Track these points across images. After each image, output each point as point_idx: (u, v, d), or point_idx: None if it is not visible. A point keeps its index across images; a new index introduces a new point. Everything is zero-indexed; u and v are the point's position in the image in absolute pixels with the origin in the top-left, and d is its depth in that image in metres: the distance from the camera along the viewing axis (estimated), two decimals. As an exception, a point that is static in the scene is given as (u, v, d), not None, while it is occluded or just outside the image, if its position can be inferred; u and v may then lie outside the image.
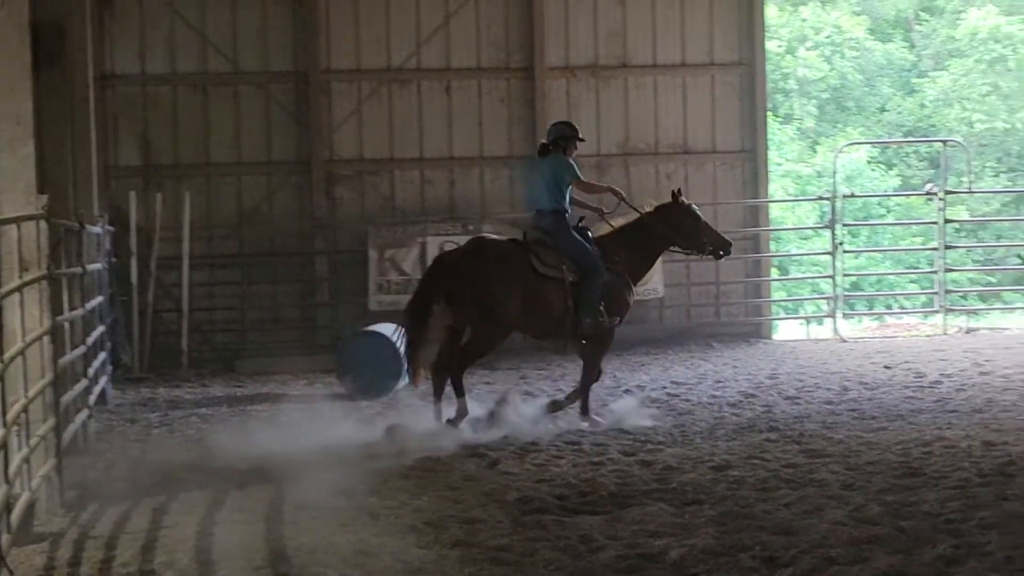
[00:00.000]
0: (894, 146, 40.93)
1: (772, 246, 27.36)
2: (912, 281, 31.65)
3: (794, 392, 16.48)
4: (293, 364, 20.53)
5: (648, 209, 15.07)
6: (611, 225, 14.99)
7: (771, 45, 37.10)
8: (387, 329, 18.18)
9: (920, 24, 43.36)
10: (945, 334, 23.67)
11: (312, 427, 14.29)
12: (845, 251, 24.84)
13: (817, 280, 29.46)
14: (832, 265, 24.35)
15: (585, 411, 14.42)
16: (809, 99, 40.74)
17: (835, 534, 8.95)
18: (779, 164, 37.02)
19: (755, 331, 23.63)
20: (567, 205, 14.53)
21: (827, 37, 41.31)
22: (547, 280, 14.19)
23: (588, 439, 13.39)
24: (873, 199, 37.19)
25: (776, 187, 34.37)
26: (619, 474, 11.48)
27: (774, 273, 28.45)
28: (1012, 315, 27.92)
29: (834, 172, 26.76)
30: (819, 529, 9.12)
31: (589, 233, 14.72)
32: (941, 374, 18.11)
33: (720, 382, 17.87)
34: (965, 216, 35.70)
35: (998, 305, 29.28)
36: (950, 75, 41.13)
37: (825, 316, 24.86)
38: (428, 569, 8.55)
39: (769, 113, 32.83)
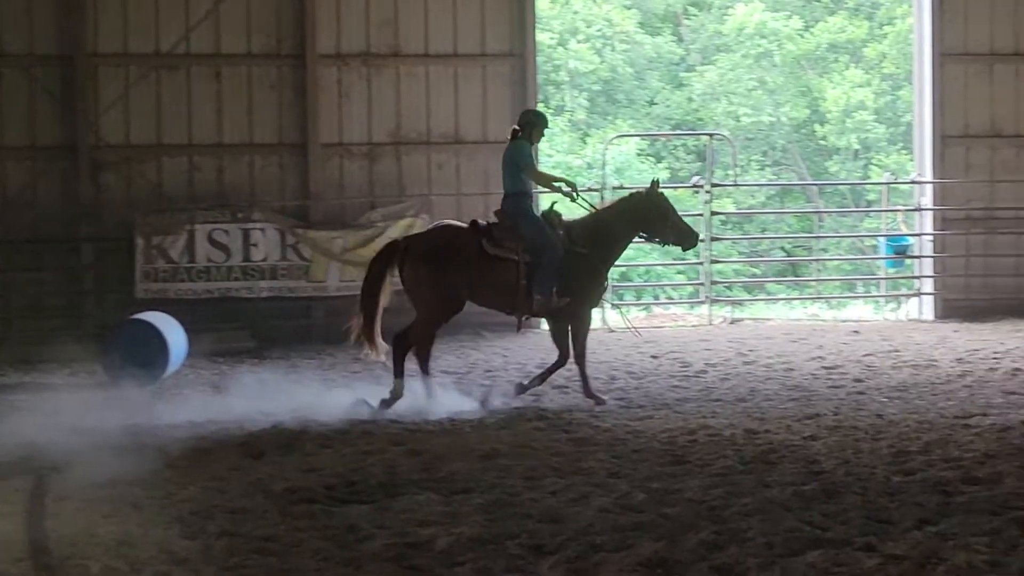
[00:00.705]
0: (663, 139, 41.60)
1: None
2: (679, 272, 32.17)
3: (563, 381, 16.61)
4: (58, 352, 20.05)
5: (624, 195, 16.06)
6: (592, 207, 15.71)
7: (543, 37, 37.46)
8: (154, 317, 17.90)
9: (688, 19, 44.11)
10: (711, 324, 24.13)
11: (76, 416, 13.99)
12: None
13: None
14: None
15: (587, 391, 15.07)
16: (580, 91, 41.18)
17: (601, 521, 9.04)
18: (550, 156, 37.35)
19: (524, 320, 23.71)
20: (528, 188, 15.29)
21: (598, 30, 41.78)
22: (498, 260, 14.93)
23: (358, 428, 13.32)
24: (642, 191, 37.68)
25: (547, 178, 34.63)
26: (388, 463, 11.44)
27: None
28: (775, 306, 28.60)
29: (603, 164, 27.04)
30: (585, 517, 9.20)
31: (562, 215, 15.31)
32: (706, 364, 18.46)
33: (490, 371, 17.95)
34: (731, 208, 36.47)
35: (762, 296, 29.99)
36: (717, 70, 41.92)
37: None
38: (193, 559, 8.42)
39: (540, 104, 33.12)
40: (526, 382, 15.54)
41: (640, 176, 37.94)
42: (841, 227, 37.46)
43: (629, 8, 42.86)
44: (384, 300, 15.03)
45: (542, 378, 15.48)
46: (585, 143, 40.23)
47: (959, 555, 7.98)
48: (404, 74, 23.52)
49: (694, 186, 26.29)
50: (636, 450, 11.91)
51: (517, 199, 15.16)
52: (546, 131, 15.79)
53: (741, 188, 36.41)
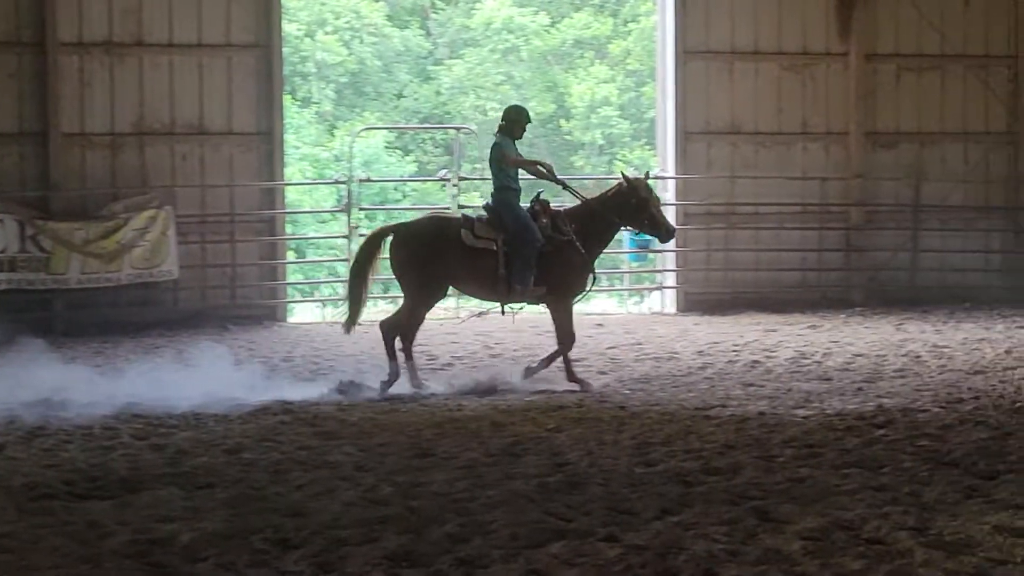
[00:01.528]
0: (410, 132, 41.64)
1: (288, 229, 27.34)
2: (427, 265, 32.17)
3: (309, 375, 16.52)
4: None
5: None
6: (577, 194, 16.37)
7: (290, 28, 37.15)
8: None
9: (436, 13, 44.25)
10: (458, 318, 24.20)
11: None
12: (361, 235, 25.07)
13: (333, 263, 29.68)
14: (348, 249, 24.51)
15: (571, 375, 15.66)
16: (328, 83, 40.99)
17: (347, 515, 9.01)
18: (297, 147, 37.11)
19: (271, 314, 23.55)
20: (510, 182, 15.79)
21: (346, 22, 41.64)
22: (477, 251, 15.61)
23: (99, 423, 13.04)
24: (390, 184, 37.74)
25: (294, 170, 34.46)
26: (130, 459, 11.24)
27: (290, 256, 28.46)
28: (521, 299, 28.80)
29: (351, 156, 26.92)
30: (331, 510, 9.16)
31: (549, 204, 15.91)
32: (453, 357, 18.52)
33: (236, 364, 17.73)
34: (478, 202, 36.61)
35: (508, 289, 30.12)
36: (465, 64, 42.14)
37: (340, 299, 25.00)
38: (-76, 561, 8.15)
39: (287, 96, 32.88)
40: (533, 365, 16.07)
41: (387, 169, 37.92)
42: (586, 221, 37.89)
43: (377, 1, 42.81)
44: (370, 283, 16.23)
45: (547, 361, 16.03)
46: (333, 135, 40.06)
47: (699, 544, 8.15)
48: (148, 64, 23.04)
49: (441, 179, 26.37)
50: (382, 443, 11.90)
51: (500, 192, 15.78)
52: (528, 125, 16.22)
53: (488, 182, 36.59)
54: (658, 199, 16.50)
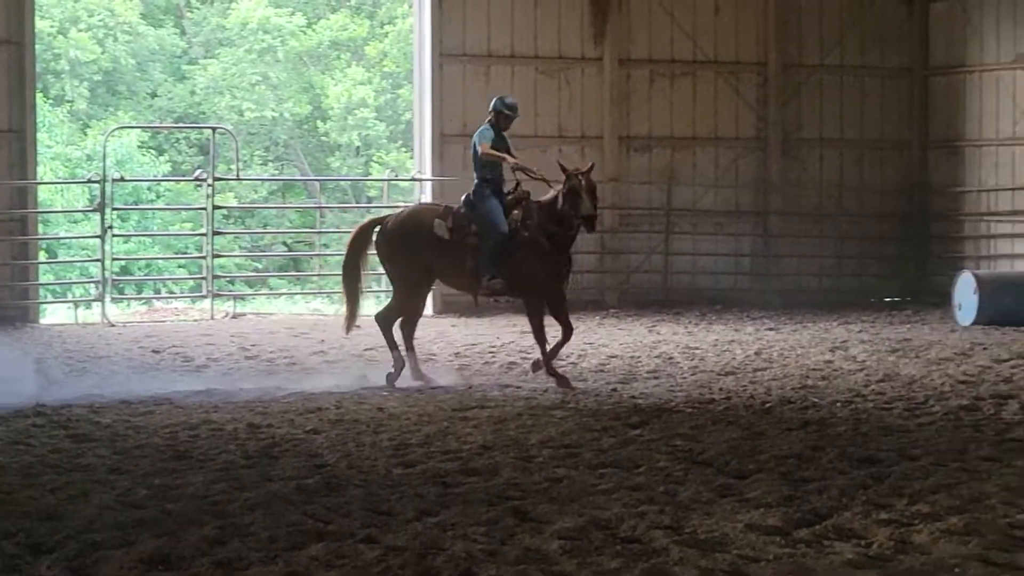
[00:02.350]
0: (165, 131, 41.03)
1: (40, 228, 26.73)
2: (181, 266, 31.82)
3: (61, 376, 16.17)
4: None
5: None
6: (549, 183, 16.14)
7: (43, 24, 36.30)
8: None
9: (191, 12, 43.69)
10: (213, 319, 23.96)
11: None
12: (115, 235, 24.66)
13: (86, 264, 29.11)
14: (101, 249, 24.07)
15: (539, 364, 15.95)
16: (81, 81, 40.14)
17: (101, 518, 8.83)
18: (49, 146, 36.28)
19: (22, 315, 23.01)
20: (486, 172, 15.79)
21: (100, 20, 40.86)
22: (451, 243, 15.78)
23: None
24: (144, 183, 37.13)
25: (46, 169, 33.68)
26: None
27: (42, 256, 27.83)
28: (278, 300, 28.68)
29: (104, 155, 26.42)
30: (85, 514, 8.97)
31: (528, 196, 15.92)
32: (208, 358, 18.33)
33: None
34: (233, 203, 36.30)
35: (264, 290, 29.97)
36: (221, 63, 41.67)
37: (94, 300, 24.55)
38: None
39: (40, 94, 32.13)
40: (542, 358, 15.92)
41: (142, 169, 37.31)
42: (343, 223, 37.83)
43: (131, -2, 42.12)
44: (363, 278, 16.65)
45: (553, 352, 16.03)
46: (86, 134, 39.26)
47: (457, 545, 8.16)
48: None
49: (196, 179, 26.05)
50: (138, 446, 11.70)
51: (476, 184, 15.85)
52: (514, 119, 16.14)
53: (244, 182, 36.35)
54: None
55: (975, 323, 22.49)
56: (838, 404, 13.98)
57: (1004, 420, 12.91)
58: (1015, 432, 12.19)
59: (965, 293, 22.98)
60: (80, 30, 40.18)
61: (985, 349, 18.91)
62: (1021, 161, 27.35)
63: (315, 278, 29.96)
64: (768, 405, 13.98)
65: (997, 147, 27.69)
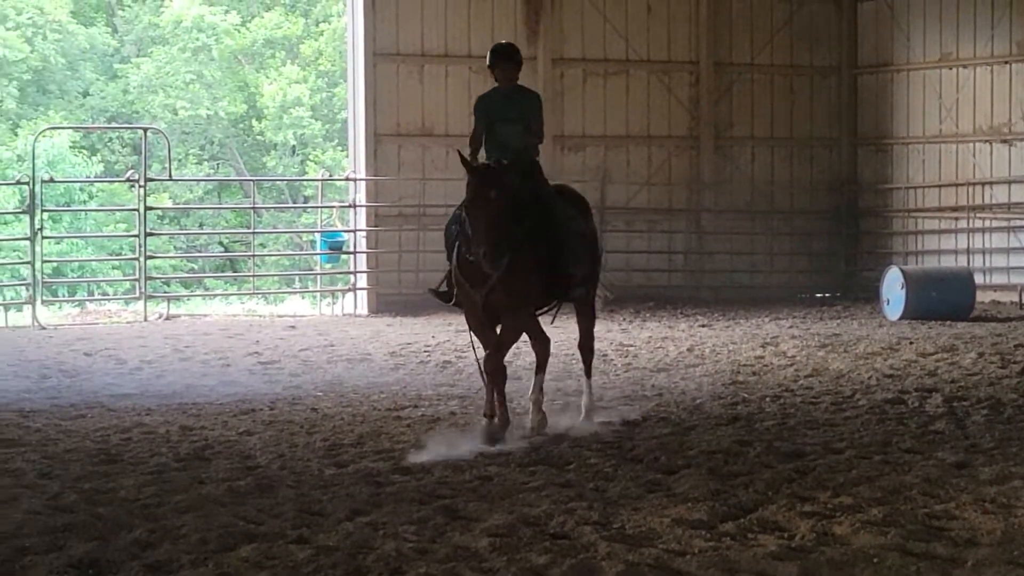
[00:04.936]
0: (97, 131, 40.83)
1: (-30, 230, 26.56)
2: (115, 267, 31.69)
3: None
4: None
5: None
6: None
7: (-30, 23, 36.08)
8: None
9: (123, 10, 43.51)
10: (146, 320, 23.87)
11: None
12: (46, 237, 24.52)
13: (17, 266, 28.93)
14: (32, 251, 23.93)
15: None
16: (10, 80, 39.88)
17: (30, 523, 8.81)
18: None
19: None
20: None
21: (29, 18, 40.61)
22: None
23: None
24: (76, 184, 36.94)
25: (-27, 169, 33.50)
26: None
27: (-28, 258, 27.66)
28: (213, 301, 28.60)
29: (33, 156, 26.26)
30: (13, 519, 8.95)
31: None
32: (142, 360, 18.28)
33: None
34: (167, 203, 36.18)
35: (200, 291, 29.87)
36: (154, 62, 41.54)
37: (24, 303, 24.41)
38: None
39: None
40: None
41: (73, 169, 37.09)
42: (279, 223, 37.86)
43: (61, -4, 41.92)
44: None
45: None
46: (16, 135, 39.02)
47: (388, 544, 8.22)
48: None
49: (128, 180, 25.97)
50: (68, 449, 11.68)
51: None
52: (509, 67, 12.61)
53: (178, 182, 36.25)
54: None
55: (902, 318, 22.78)
56: (767, 399, 14.16)
57: (927, 413, 13.11)
58: (937, 424, 12.40)
59: (893, 288, 23.27)
60: (8, 28, 39.92)
61: (911, 343, 19.15)
62: (947, 158, 27.72)
63: (251, 278, 29.89)
64: (698, 401, 14.12)
65: (924, 144, 28.05)
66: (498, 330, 12.26)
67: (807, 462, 10.55)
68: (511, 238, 11.59)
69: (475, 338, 12.61)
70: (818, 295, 27.86)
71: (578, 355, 13.57)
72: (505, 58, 12.54)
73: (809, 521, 8.55)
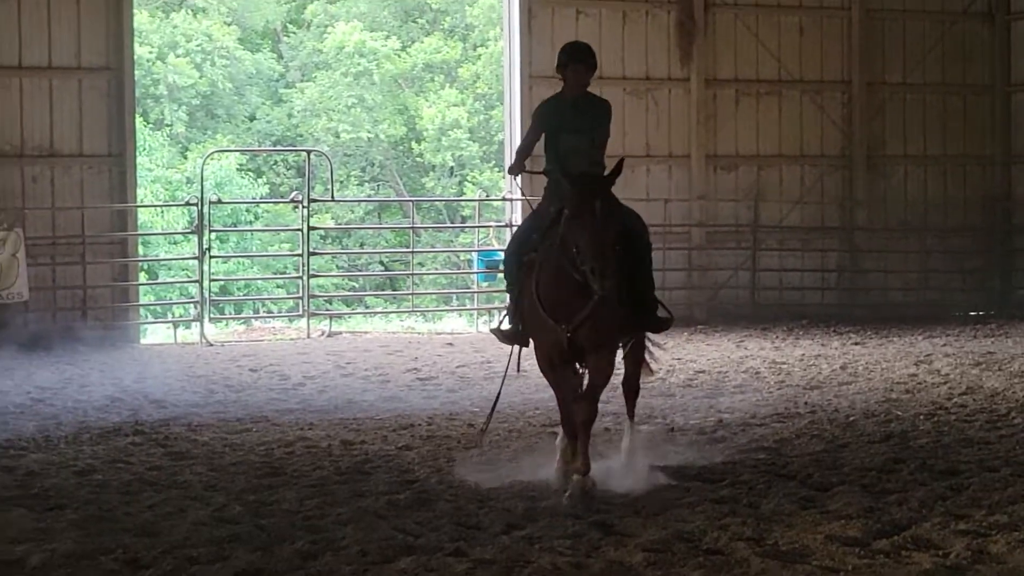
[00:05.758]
0: (263, 154, 41.56)
1: (141, 250, 27.18)
2: (279, 286, 32.25)
3: (161, 395, 16.47)
4: None
5: None
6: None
7: (141, 50, 36.93)
8: None
9: (288, 36, 44.23)
10: (309, 337, 24.25)
11: None
12: (213, 256, 25.06)
13: (186, 284, 29.55)
14: (200, 270, 24.46)
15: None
16: (180, 105, 40.75)
17: (197, 534, 9.04)
18: (150, 170, 36.86)
19: (123, 335, 23.40)
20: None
21: (198, 45, 41.46)
22: None
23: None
24: (242, 205, 37.65)
25: (146, 192, 34.24)
26: (-21, 481, 11.17)
27: (142, 277, 28.31)
28: (373, 319, 28.96)
29: (202, 178, 26.86)
30: (181, 530, 9.17)
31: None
32: (305, 376, 18.53)
33: (86, 386, 17.59)
34: (330, 223, 36.73)
35: (360, 309, 30.26)
36: (317, 86, 42.15)
37: (193, 320, 24.95)
38: None
39: (139, 118, 32.71)
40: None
41: (240, 191, 37.84)
42: (437, 242, 38.17)
43: (229, 24, 42.70)
44: None
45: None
46: (185, 157, 39.86)
47: (544, 558, 8.32)
48: (-1, 86, 22.90)
49: (293, 201, 26.42)
50: (234, 463, 11.93)
51: None
52: (583, 70, 11.33)
53: (340, 203, 36.77)
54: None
55: (1060, 337, 22.39)
56: (921, 417, 14.05)
57: (1086, 433, 12.94)
58: (1096, 444, 12.23)
59: (1048, 306, 22.88)
60: (178, 55, 40.81)
61: (1069, 362, 18.86)
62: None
63: (409, 297, 30.21)
64: (852, 418, 14.06)
65: (1078, 161, 27.60)
66: (579, 370, 10.95)
67: (962, 480, 10.47)
68: (616, 257, 10.13)
69: (547, 377, 11.23)
70: (972, 313, 27.45)
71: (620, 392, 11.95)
72: (579, 59, 11.18)
73: (964, 539, 8.51)
